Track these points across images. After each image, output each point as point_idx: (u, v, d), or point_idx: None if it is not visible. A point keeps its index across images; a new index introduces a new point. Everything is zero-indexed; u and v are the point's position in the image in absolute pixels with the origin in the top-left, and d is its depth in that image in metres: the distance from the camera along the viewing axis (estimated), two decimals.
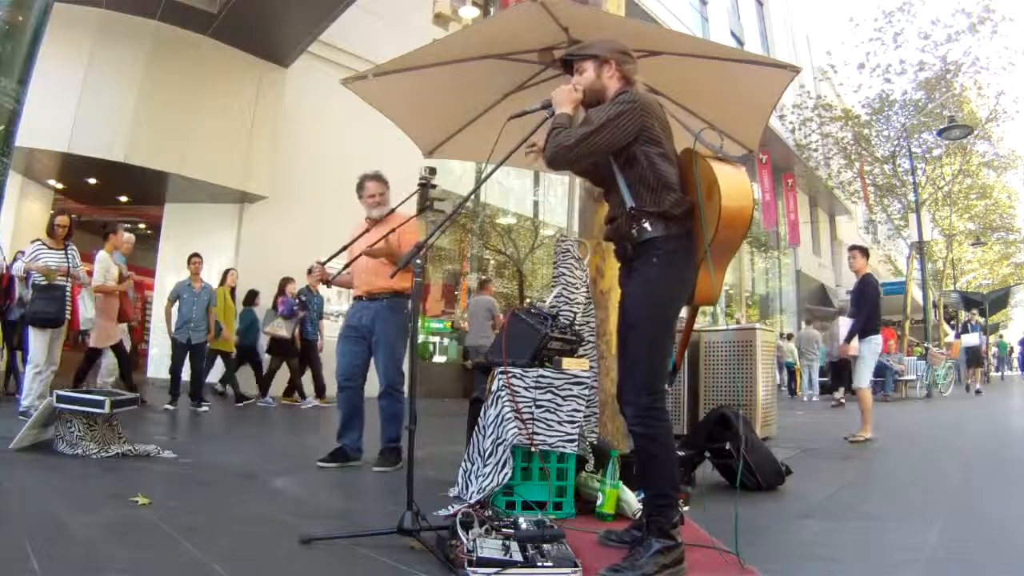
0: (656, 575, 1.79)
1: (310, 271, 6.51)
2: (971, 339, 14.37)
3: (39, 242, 4.89)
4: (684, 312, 2.27)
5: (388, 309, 3.61)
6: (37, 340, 4.63)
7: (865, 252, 6.08)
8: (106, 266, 5.55)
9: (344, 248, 3.65)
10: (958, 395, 12.53)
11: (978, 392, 12.82)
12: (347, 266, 3.69)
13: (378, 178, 3.81)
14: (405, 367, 3.57)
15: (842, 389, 10.20)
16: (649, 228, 2.00)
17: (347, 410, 3.64)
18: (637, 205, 2.02)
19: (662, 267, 1.98)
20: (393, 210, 3.78)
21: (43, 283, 4.66)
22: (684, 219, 2.01)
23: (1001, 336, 25.41)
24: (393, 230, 3.50)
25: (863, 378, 5.64)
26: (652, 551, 1.83)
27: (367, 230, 3.74)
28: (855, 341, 5.74)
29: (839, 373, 10.34)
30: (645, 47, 2.96)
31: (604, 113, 1.99)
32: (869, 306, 5.70)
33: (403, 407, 3.61)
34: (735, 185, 1.96)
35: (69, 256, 4.88)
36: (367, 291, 3.65)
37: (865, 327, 5.71)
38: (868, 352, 5.72)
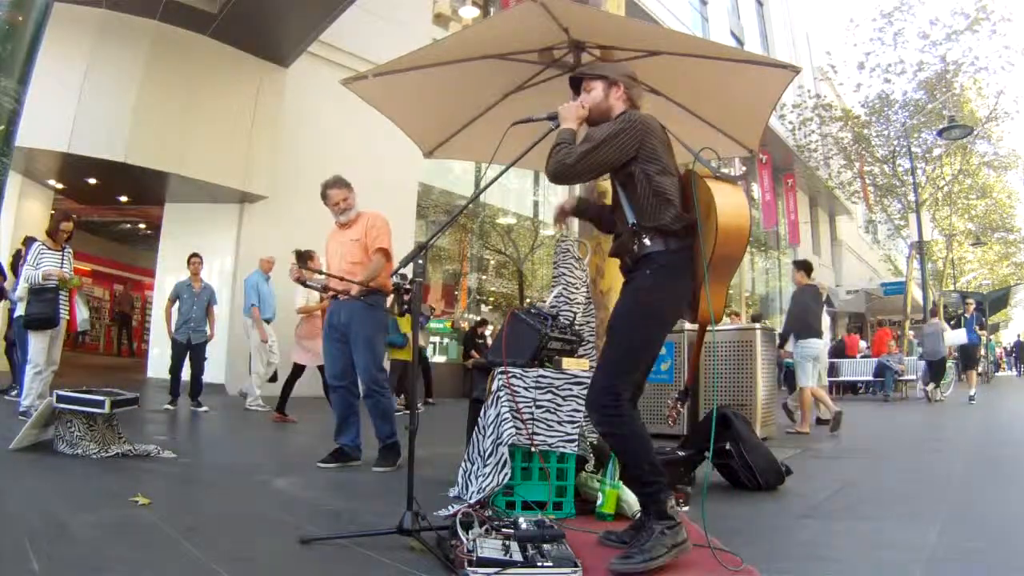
0: (665, 555, 1.84)
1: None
2: (958, 336, 11.37)
3: (39, 243, 4.86)
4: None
5: (363, 307, 3.58)
6: (36, 341, 4.63)
7: (803, 267, 6.64)
8: (303, 290, 5.83)
9: (319, 272, 3.70)
10: (958, 395, 12.48)
11: (971, 399, 10.13)
12: (326, 289, 3.69)
13: (338, 184, 3.73)
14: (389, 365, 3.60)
15: (932, 385, 11.17)
16: (649, 243, 2.06)
17: (341, 409, 3.65)
18: (638, 221, 2.08)
19: (654, 279, 2.04)
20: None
21: (37, 285, 4.64)
22: (684, 235, 2.07)
23: (990, 339, 24.67)
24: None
25: (802, 379, 6.12)
26: (656, 533, 1.88)
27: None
28: (789, 344, 6.32)
29: (935, 372, 11.46)
30: (645, 47, 2.96)
31: (604, 131, 2.06)
32: (794, 313, 6.27)
33: (390, 402, 3.63)
34: (731, 203, 2.01)
35: (65, 258, 4.87)
36: (343, 289, 3.63)
37: (799, 332, 6.20)
38: (799, 355, 6.20)
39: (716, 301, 2.07)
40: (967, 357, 11.25)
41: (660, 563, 1.83)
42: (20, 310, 5.52)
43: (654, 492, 1.96)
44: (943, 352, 10.96)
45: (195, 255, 6.46)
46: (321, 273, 3.66)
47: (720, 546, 2.05)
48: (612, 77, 2.22)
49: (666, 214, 2.03)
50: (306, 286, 3.68)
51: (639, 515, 2.21)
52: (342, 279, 3.48)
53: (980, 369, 13.86)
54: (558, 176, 2.06)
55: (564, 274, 3.23)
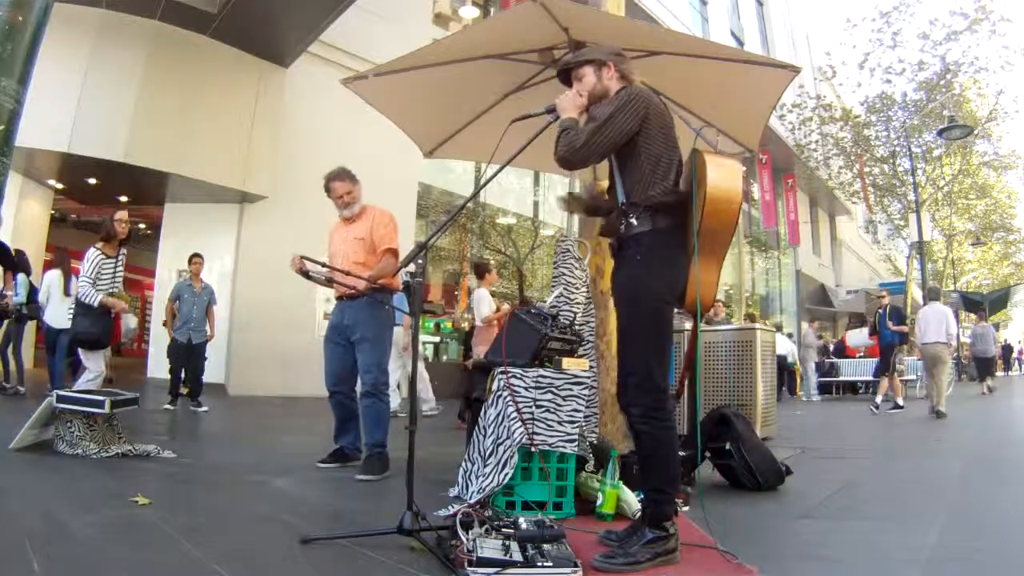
0: (647, 563, 1.86)
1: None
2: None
3: (98, 253, 4.32)
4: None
5: (369, 306, 3.44)
6: (92, 359, 4.30)
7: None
8: (488, 301, 6.18)
9: (326, 265, 3.48)
10: (959, 395, 12.45)
11: (896, 406, 8.63)
12: (331, 282, 3.51)
13: (342, 176, 3.55)
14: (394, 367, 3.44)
15: (986, 381, 12.72)
16: (635, 223, 2.02)
17: (340, 413, 3.57)
18: (627, 199, 2.05)
19: (644, 264, 2.00)
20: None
21: (86, 302, 4.27)
22: (674, 212, 2.02)
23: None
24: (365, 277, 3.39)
25: None
26: (645, 540, 1.90)
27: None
28: None
29: (983, 368, 13.13)
30: (645, 47, 2.96)
31: (608, 108, 2.02)
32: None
33: (387, 409, 3.43)
34: (723, 172, 1.94)
35: (119, 264, 4.47)
36: (347, 291, 3.48)
37: None
38: None
39: (707, 281, 2.01)
40: (884, 359, 9.16)
41: (641, 569, 1.85)
42: (50, 315, 5.47)
43: (660, 501, 1.96)
44: (992, 352, 12.54)
45: (196, 255, 6.46)
46: (325, 265, 3.47)
47: (718, 546, 2.05)
48: (600, 58, 2.18)
49: (656, 188, 2.00)
50: (309, 278, 3.55)
51: (639, 515, 2.22)
52: (348, 273, 3.34)
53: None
54: (568, 159, 2.03)
55: (564, 274, 3.23)
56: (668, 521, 1.94)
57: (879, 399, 8.75)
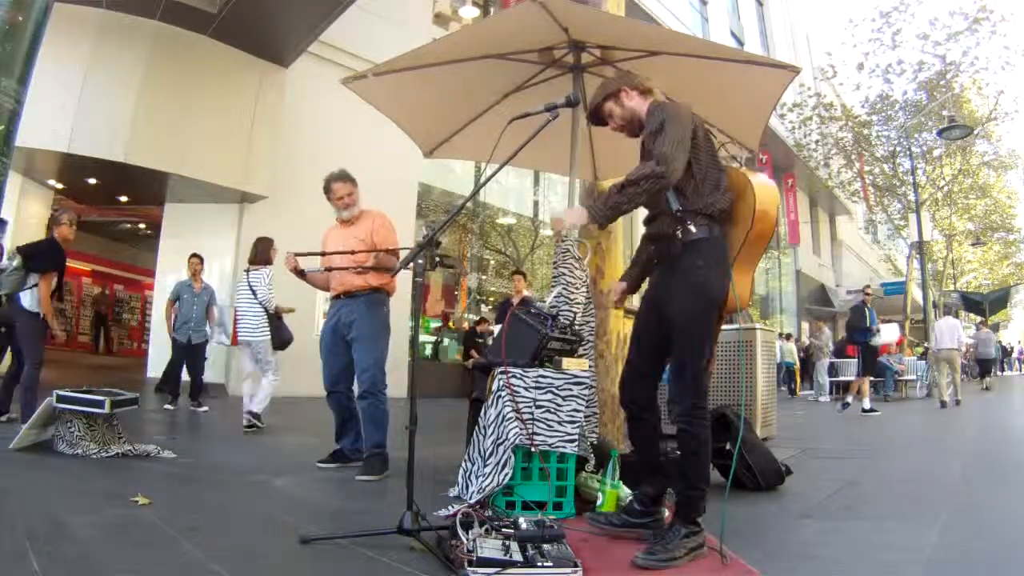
0: (684, 557, 1.94)
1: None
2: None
3: (271, 270, 5.31)
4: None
5: (366, 305, 3.45)
6: (276, 363, 5.35)
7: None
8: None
9: (320, 254, 3.53)
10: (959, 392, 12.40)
11: (842, 407, 8.85)
12: (329, 269, 3.54)
13: (344, 178, 3.57)
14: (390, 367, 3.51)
15: (986, 379, 14.88)
16: (694, 230, 2.09)
17: (339, 412, 3.57)
18: (683, 206, 2.11)
19: (708, 269, 2.08)
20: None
21: (273, 311, 5.28)
22: (723, 220, 2.14)
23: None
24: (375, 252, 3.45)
25: None
26: (681, 536, 1.97)
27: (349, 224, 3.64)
28: None
29: (984, 368, 15.50)
30: (645, 47, 2.97)
31: (652, 124, 2.10)
32: None
33: (386, 410, 3.40)
34: (766, 186, 2.19)
35: None
36: (344, 290, 3.50)
37: None
38: None
39: (743, 286, 2.16)
40: (868, 357, 8.71)
41: (678, 564, 1.91)
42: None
43: (696, 498, 2.03)
44: (993, 355, 15.18)
45: (195, 255, 6.46)
46: (324, 254, 3.50)
47: (719, 546, 2.05)
48: (612, 89, 2.29)
49: (713, 195, 2.11)
50: (303, 278, 3.53)
51: (627, 499, 2.34)
52: (354, 253, 3.35)
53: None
54: (666, 176, 2.01)
55: (564, 274, 3.23)
56: (699, 516, 2.02)
57: (864, 400, 8.66)
